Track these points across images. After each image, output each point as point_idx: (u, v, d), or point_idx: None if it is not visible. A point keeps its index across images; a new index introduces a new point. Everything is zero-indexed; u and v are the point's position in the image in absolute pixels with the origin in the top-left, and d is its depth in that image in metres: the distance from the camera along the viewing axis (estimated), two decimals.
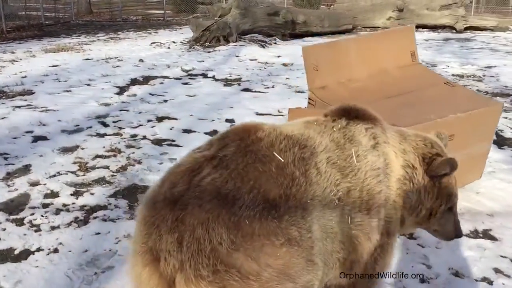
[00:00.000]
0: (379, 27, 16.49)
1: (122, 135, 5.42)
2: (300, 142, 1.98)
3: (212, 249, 1.59)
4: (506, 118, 6.06)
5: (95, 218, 3.63)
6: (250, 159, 1.80)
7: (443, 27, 16.37)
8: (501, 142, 5.24)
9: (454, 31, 16.12)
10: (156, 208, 1.70)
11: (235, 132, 1.94)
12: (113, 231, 3.44)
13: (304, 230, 1.77)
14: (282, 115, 6.22)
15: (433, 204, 2.34)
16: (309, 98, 3.87)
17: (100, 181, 4.26)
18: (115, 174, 4.39)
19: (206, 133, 5.49)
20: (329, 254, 1.94)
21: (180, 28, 16.43)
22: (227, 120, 5.98)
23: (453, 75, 8.82)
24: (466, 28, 16.20)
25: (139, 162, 4.63)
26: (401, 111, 3.58)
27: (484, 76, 8.81)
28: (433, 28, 16.51)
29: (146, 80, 8.28)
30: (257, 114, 6.28)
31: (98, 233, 3.42)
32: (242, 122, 2.13)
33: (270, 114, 6.27)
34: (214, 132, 5.52)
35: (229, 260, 1.60)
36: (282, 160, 1.85)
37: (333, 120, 2.27)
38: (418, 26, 16.31)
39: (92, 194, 4.00)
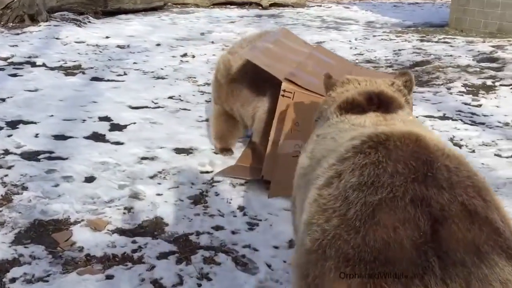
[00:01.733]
0: (189, 3, 16.10)
1: None
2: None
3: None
4: None
5: (13, 281, 2.59)
6: (464, 171, 1.49)
7: (250, 4, 16.72)
8: None
9: (261, 7, 16.60)
10: (402, 261, 1.29)
11: (405, 142, 1.55)
12: None
13: None
14: (161, 107, 5.46)
15: None
16: (284, 90, 3.31)
17: None
18: None
19: (86, 138, 4.48)
20: None
21: None
22: (101, 119, 4.99)
23: None
24: (271, 5, 16.82)
25: (24, 188, 3.51)
26: None
27: None
28: (241, 4, 16.75)
29: None
30: (132, 107, 5.39)
31: None
32: (375, 131, 1.68)
33: (146, 107, 5.45)
34: (96, 135, 4.55)
35: None
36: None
37: (396, 112, 2.03)
38: (226, 3, 16.41)
39: None
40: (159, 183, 3.66)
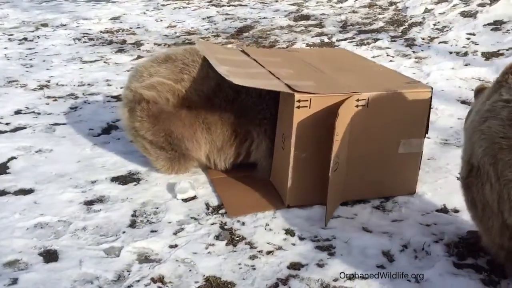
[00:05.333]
0: None
1: None
2: None
3: None
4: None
5: None
6: None
7: None
8: None
9: None
10: None
11: None
12: None
13: None
14: (22, 128, 4.06)
15: None
16: (299, 100, 2.67)
17: None
18: None
19: None
20: None
21: None
22: None
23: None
24: None
25: None
26: (343, 76, 3.06)
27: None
28: None
29: None
30: None
31: None
32: None
33: (1, 132, 3.97)
34: None
35: None
36: None
37: None
38: None
39: None
40: (154, 231, 2.70)
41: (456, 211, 2.88)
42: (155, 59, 3.30)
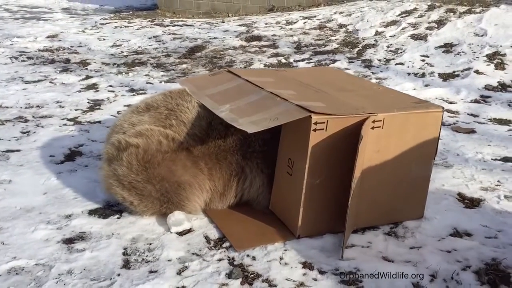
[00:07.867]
0: None
1: None
2: None
3: None
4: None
5: None
6: None
7: None
8: None
9: None
10: None
11: None
12: None
13: None
14: None
15: None
16: (316, 123, 2.43)
17: None
18: None
19: None
20: None
21: None
22: None
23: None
24: None
25: None
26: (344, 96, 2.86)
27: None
28: None
29: None
30: None
31: None
32: None
33: None
34: None
35: None
36: None
37: None
38: None
39: None
40: (153, 271, 2.34)
41: (468, 234, 2.76)
42: (134, 109, 2.97)
